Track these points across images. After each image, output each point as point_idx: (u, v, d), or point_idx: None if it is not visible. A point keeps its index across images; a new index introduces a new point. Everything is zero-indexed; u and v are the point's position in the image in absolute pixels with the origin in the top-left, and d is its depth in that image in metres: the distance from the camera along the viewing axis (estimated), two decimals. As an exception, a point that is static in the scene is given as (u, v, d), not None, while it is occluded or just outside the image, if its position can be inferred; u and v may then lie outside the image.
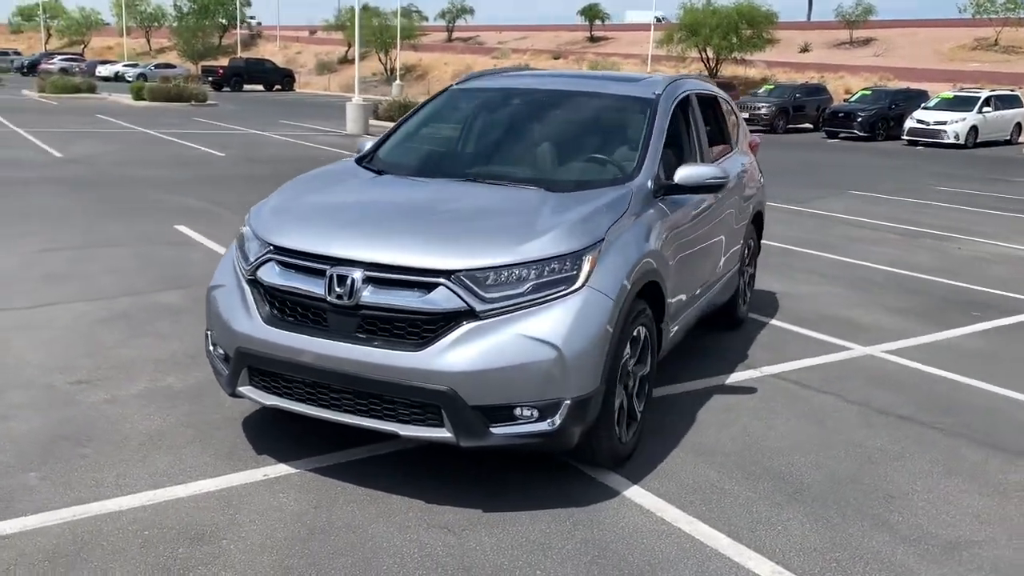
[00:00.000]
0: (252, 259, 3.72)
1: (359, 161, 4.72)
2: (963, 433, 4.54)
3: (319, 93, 53.00)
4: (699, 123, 5.20)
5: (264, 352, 3.54)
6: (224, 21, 76.82)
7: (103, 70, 56.79)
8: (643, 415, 4.08)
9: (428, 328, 3.32)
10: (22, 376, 4.70)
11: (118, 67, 56.87)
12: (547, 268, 3.40)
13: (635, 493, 3.68)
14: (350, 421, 3.44)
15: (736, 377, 5.22)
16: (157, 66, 56.23)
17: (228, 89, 49.16)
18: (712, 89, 5.93)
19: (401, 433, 3.36)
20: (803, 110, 33.08)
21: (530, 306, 3.34)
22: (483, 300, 3.30)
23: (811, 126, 33.23)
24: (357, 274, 3.39)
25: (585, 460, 3.81)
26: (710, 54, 47.19)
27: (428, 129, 5.10)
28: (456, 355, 3.25)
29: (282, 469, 3.75)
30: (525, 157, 4.68)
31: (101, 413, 4.26)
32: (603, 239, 3.59)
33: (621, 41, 64.39)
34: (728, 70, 48.67)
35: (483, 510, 3.48)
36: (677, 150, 5.04)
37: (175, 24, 75.88)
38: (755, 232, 6.40)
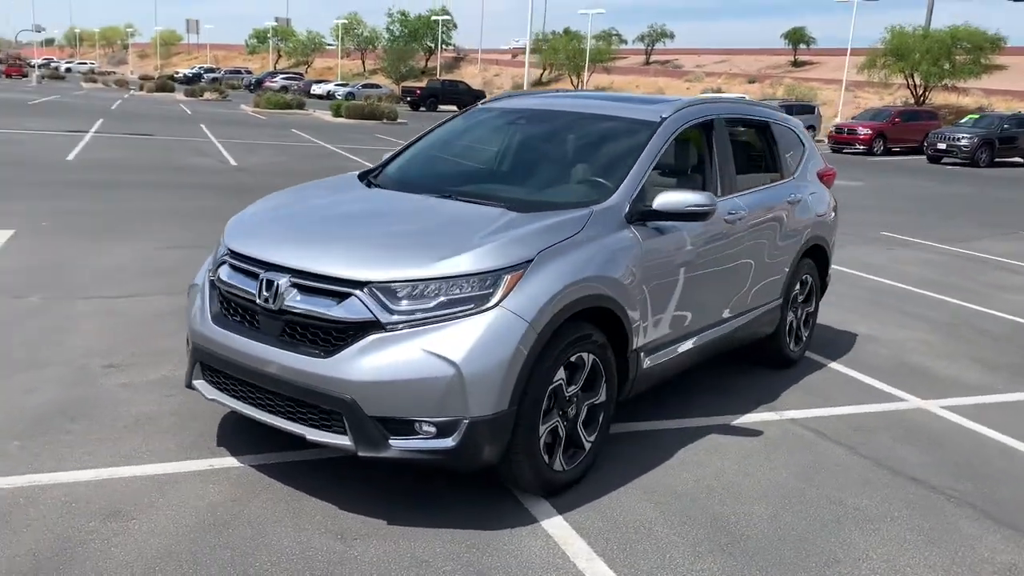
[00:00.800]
0: (214, 261, 3.98)
1: (366, 173, 4.90)
2: (974, 503, 4.05)
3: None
4: (724, 149, 4.97)
5: (210, 348, 3.76)
6: (431, 44, 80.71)
7: (318, 88, 61.26)
8: (595, 445, 3.95)
9: (338, 337, 3.40)
10: (65, 356, 5.22)
11: (331, 86, 61.10)
12: (460, 285, 3.40)
13: (553, 523, 3.58)
14: (269, 421, 3.58)
15: (750, 418, 4.92)
16: (364, 86, 59.91)
17: (424, 109, 51.53)
18: (760, 113, 5.65)
19: (308, 437, 3.46)
20: (1013, 142, 30.32)
21: (437, 322, 3.35)
22: (390, 312, 3.34)
23: (1022, 160, 30.39)
24: (283, 280, 3.54)
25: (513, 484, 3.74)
26: (917, 80, 44.25)
27: (445, 144, 5.21)
28: (358, 365, 3.31)
29: (228, 462, 3.95)
30: (510, 176, 4.69)
31: (110, 395, 4.65)
32: (531, 260, 3.54)
33: (826, 66, 61.67)
34: (939, 98, 45.45)
35: (389, 522, 3.51)
36: (688, 176, 4.86)
37: (388, 47, 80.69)
38: (814, 267, 5.98)
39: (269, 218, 4.16)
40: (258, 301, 3.59)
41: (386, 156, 5.14)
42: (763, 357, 5.82)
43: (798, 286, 5.79)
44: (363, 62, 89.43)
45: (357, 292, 3.39)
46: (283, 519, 3.48)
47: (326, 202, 4.40)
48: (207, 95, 50.05)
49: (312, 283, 3.49)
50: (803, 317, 5.99)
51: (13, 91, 45.15)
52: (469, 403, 3.31)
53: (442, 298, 3.38)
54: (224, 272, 3.85)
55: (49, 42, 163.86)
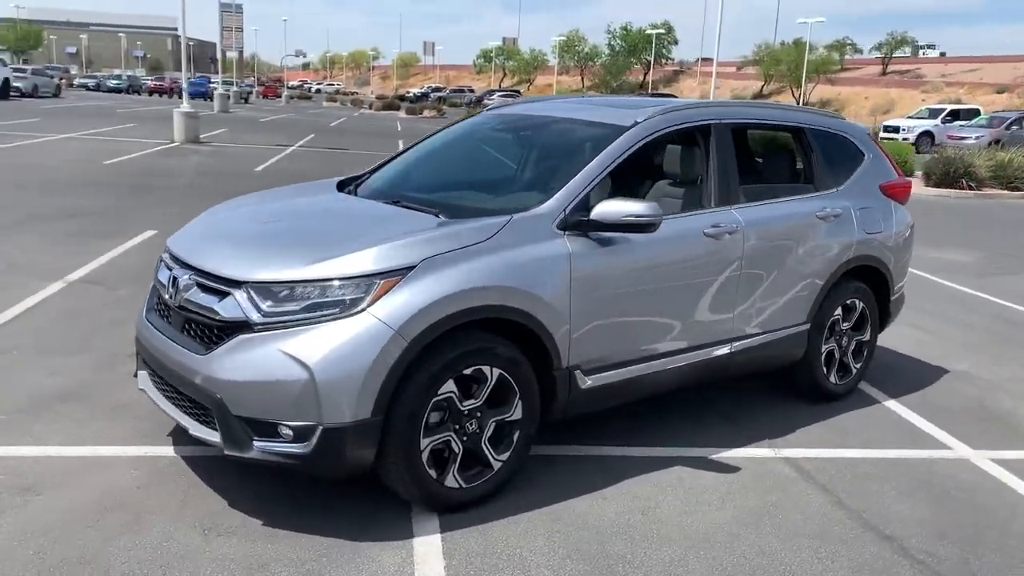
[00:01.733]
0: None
1: (353, 179, 4.95)
2: (941, 572, 3.43)
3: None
4: (723, 157, 4.57)
5: (141, 341, 3.98)
6: (650, 59, 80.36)
7: (530, 104, 62.64)
8: (508, 464, 3.76)
9: (218, 335, 3.47)
10: (107, 345, 5.66)
11: (543, 101, 62.26)
12: (330, 289, 3.36)
13: (426, 541, 3.45)
14: (169, 412, 3.71)
15: (737, 452, 4.47)
16: (575, 101, 60.46)
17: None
18: (791, 119, 5.13)
19: (191, 431, 3.55)
20: None
21: (302, 325, 3.33)
22: (260, 313, 3.36)
23: None
24: (185, 276, 3.67)
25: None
26: None
27: (434, 150, 5.16)
28: (226, 363, 3.36)
29: (164, 451, 4.13)
30: (471, 182, 4.58)
31: (116, 382, 4.99)
32: (413, 266, 3.43)
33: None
34: None
35: (265, 522, 3.52)
36: (674, 185, 4.54)
37: (605, 62, 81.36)
38: (867, 291, 5.32)
39: (210, 218, 4.32)
40: (165, 296, 3.74)
41: (379, 162, 5.17)
42: (797, 388, 5.25)
43: (839, 311, 5.17)
44: (582, 78, 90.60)
45: (235, 291, 3.44)
46: (166, 509, 3.58)
47: (273, 205, 4.49)
48: (426, 112, 52.74)
49: (204, 281, 3.58)
50: (850, 347, 5.34)
51: (260, 110, 49.87)
52: (323, 409, 3.25)
53: (311, 301, 3.35)
54: (158, 268, 4.05)
55: (307, 66, 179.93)
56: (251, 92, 70.60)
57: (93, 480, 3.80)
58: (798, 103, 56.73)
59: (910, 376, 5.96)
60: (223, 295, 3.47)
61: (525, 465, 3.95)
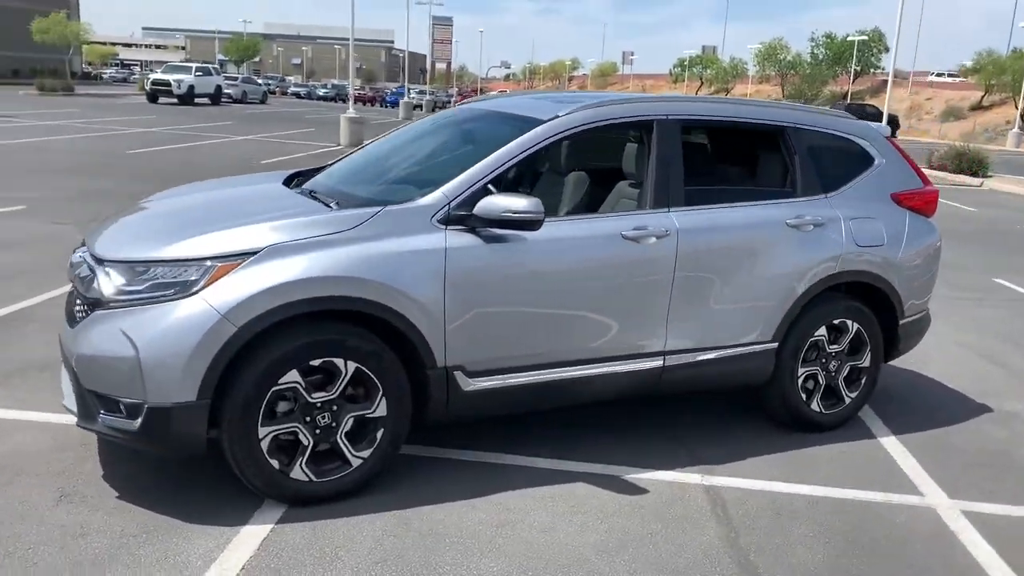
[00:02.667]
0: None
1: (308, 172, 5.02)
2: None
3: (932, 141, 48.74)
4: (668, 155, 4.26)
5: None
6: (857, 68, 75.92)
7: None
8: (370, 462, 3.68)
9: (85, 311, 3.63)
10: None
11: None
12: (172, 270, 3.42)
13: (250, 531, 3.43)
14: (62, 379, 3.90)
15: (657, 475, 4.13)
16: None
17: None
18: (768, 116, 4.67)
19: (63, 401, 3.73)
20: None
21: (142, 304, 3.41)
22: (114, 290, 3.47)
23: None
24: (77, 256, 3.88)
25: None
26: None
27: (388, 146, 5.12)
28: (80, 338, 3.51)
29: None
30: (391, 176, 4.53)
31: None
32: (255, 252, 3.43)
33: None
34: None
35: (121, 495, 3.64)
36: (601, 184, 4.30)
37: (807, 71, 77.74)
38: (865, 312, 4.74)
39: (134, 206, 4.52)
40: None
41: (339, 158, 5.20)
42: (773, 415, 4.79)
43: (821, 331, 4.64)
44: (782, 87, 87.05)
45: (99, 270, 3.58)
46: (44, 473, 3.78)
47: (200, 194, 4.59)
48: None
49: (87, 260, 3.76)
50: (842, 372, 4.78)
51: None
52: (147, 389, 3.32)
53: (155, 282, 3.43)
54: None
55: (510, 76, 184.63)
56: (448, 100, 73.63)
57: (3, 439, 4.06)
58: (1022, 116, 51.56)
59: (935, 410, 5.27)
60: (94, 274, 3.62)
61: (398, 466, 3.85)
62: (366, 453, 3.68)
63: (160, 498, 3.61)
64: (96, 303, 3.51)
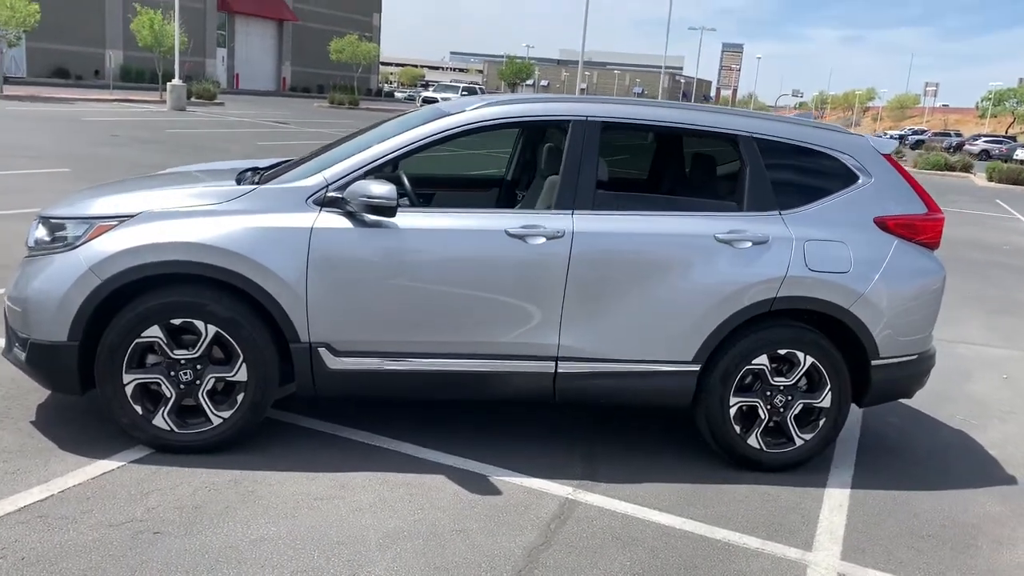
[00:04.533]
0: None
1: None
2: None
3: None
4: (582, 157, 4.15)
5: None
6: None
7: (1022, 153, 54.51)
8: (230, 422, 3.96)
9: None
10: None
11: (1038, 152, 53.72)
12: (69, 226, 3.92)
13: (96, 464, 3.83)
14: None
15: (528, 482, 4.02)
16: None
17: None
18: (716, 124, 4.35)
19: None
20: None
21: (45, 254, 3.94)
22: (34, 241, 4.04)
23: None
24: None
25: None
26: None
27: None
28: (9, 280, 4.13)
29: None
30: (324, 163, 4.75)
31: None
32: (131, 216, 3.85)
33: None
34: None
35: (35, 422, 4.22)
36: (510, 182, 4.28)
37: None
38: (826, 347, 4.25)
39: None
40: None
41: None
42: (710, 446, 4.44)
43: (762, 360, 4.24)
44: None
45: (34, 223, 4.18)
46: (-1, 397, 4.45)
47: (180, 169, 5.09)
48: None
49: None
50: (791, 410, 4.32)
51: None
52: (31, 326, 3.84)
53: (57, 235, 3.95)
54: None
55: (801, 105, 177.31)
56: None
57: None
58: None
59: (932, 476, 4.57)
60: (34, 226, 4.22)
61: (272, 433, 4.09)
62: (226, 414, 3.95)
63: (57, 427, 4.11)
64: (29, 251, 4.09)
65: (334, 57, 50.32)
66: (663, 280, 4.10)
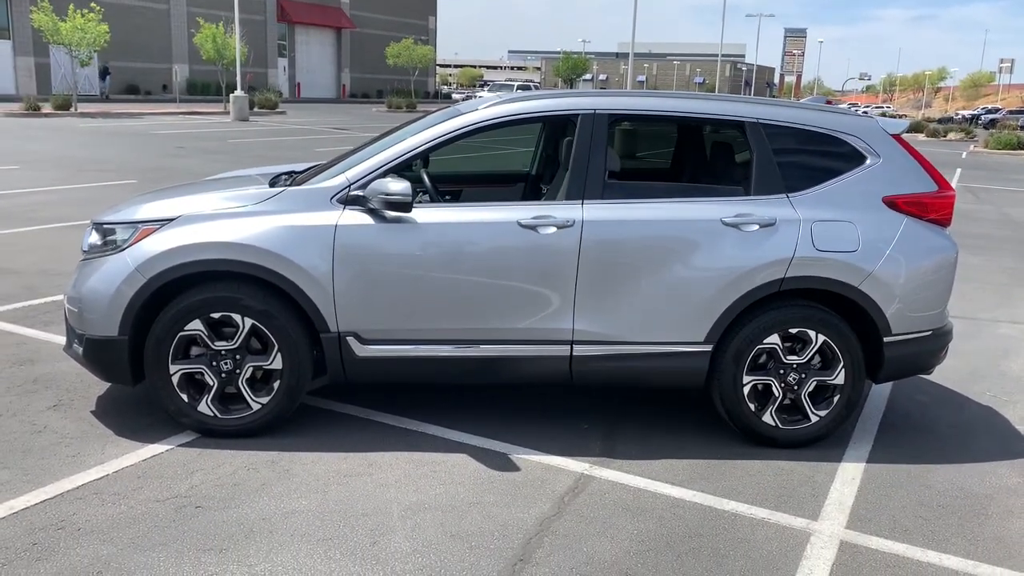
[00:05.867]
0: None
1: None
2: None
3: None
4: (588, 149, 4.35)
5: None
6: None
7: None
8: (268, 408, 4.25)
9: None
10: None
11: None
12: (119, 230, 4.29)
13: (150, 447, 4.18)
14: None
15: (541, 458, 4.23)
16: None
17: None
18: (720, 112, 4.50)
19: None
20: None
21: (98, 256, 4.31)
22: (89, 246, 4.42)
23: None
24: None
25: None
26: None
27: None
28: (70, 281, 4.52)
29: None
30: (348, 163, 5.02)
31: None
32: (172, 219, 4.19)
33: None
34: None
35: (93, 410, 4.60)
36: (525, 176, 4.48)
37: None
38: (837, 324, 4.35)
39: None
40: None
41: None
42: (727, 424, 4.59)
43: (773, 339, 4.37)
44: None
45: (88, 229, 4.55)
46: (58, 388, 4.85)
47: (220, 178, 5.44)
48: (950, 136, 47.61)
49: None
50: (806, 387, 4.45)
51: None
52: (85, 322, 4.21)
53: (109, 239, 4.32)
54: None
55: (869, 88, 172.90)
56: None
57: (51, 364, 5.22)
58: None
59: (949, 450, 4.64)
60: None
61: (309, 418, 4.40)
62: (265, 399, 4.26)
63: (114, 416, 4.48)
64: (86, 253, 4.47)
65: (391, 62, 51.16)
66: (672, 264, 4.27)
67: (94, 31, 29.46)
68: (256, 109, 34.84)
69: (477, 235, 4.22)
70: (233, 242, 4.09)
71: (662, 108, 4.51)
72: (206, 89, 43.61)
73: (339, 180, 4.27)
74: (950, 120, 66.46)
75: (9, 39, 38.14)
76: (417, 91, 53.01)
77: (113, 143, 20.14)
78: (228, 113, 31.14)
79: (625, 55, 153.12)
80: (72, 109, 29.16)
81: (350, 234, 4.16)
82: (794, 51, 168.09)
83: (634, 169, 5.10)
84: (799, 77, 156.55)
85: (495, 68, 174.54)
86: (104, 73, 41.27)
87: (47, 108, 28.42)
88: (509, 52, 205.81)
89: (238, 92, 30.77)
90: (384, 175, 4.25)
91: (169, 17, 45.03)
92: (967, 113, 73.73)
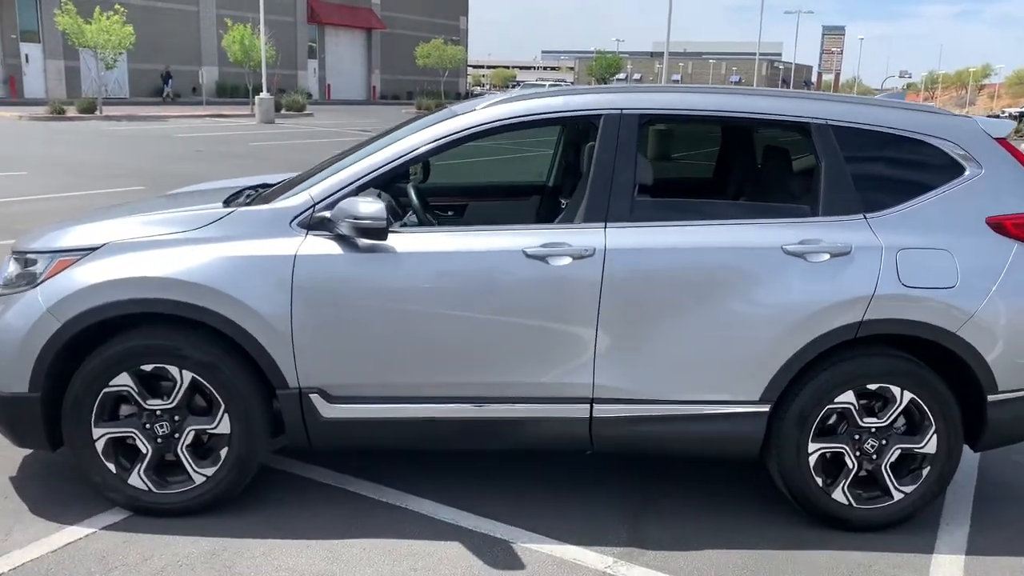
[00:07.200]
0: None
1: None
2: None
3: None
4: (608, 159, 3.48)
5: None
6: None
7: None
8: (214, 480, 3.46)
9: None
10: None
11: None
12: (32, 262, 3.49)
13: (65, 531, 3.38)
14: None
15: (554, 548, 3.37)
16: None
17: None
18: (780, 111, 3.59)
19: None
20: None
21: (12, 293, 3.50)
22: (2, 280, 3.62)
23: None
24: None
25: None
26: None
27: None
28: None
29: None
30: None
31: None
32: (95, 248, 3.38)
33: None
34: None
35: (11, 476, 3.82)
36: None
37: None
38: (928, 378, 3.45)
39: None
40: None
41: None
42: (788, 502, 3.69)
43: (847, 396, 3.46)
44: None
45: (12, 258, 3.75)
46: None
47: (182, 191, 4.62)
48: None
49: None
50: (887, 456, 3.53)
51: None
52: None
53: (24, 271, 3.51)
54: None
55: (910, 87, 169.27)
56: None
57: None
58: None
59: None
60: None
61: (279, 486, 3.56)
62: (210, 471, 3.45)
63: (36, 484, 3.69)
64: (-3, 288, 3.66)
65: (420, 62, 50.43)
66: (719, 304, 3.37)
67: (119, 33, 29.04)
68: (283, 111, 34.27)
69: (471, 267, 3.37)
70: (165, 277, 3.27)
71: (705, 106, 3.61)
72: (236, 91, 43.16)
73: (301, 199, 3.44)
74: (996, 117, 64.22)
75: (39, 42, 37.96)
76: (447, 92, 52.28)
77: (130, 147, 19.58)
78: (254, 116, 30.60)
79: (660, 54, 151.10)
80: (97, 112, 28.77)
81: (313, 266, 3.32)
82: (832, 49, 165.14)
83: (669, 181, 4.23)
84: (837, 75, 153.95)
85: (528, 68, 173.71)
86: (167, 77, 41.22)
87: (72, 111, 28.05)
88: (542, 52, 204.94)
89: (263, 94, 30.21)
90: (356, 192, 3.40)
91: (198, 19, 44.69)
92: (1013, 111, 71.36)
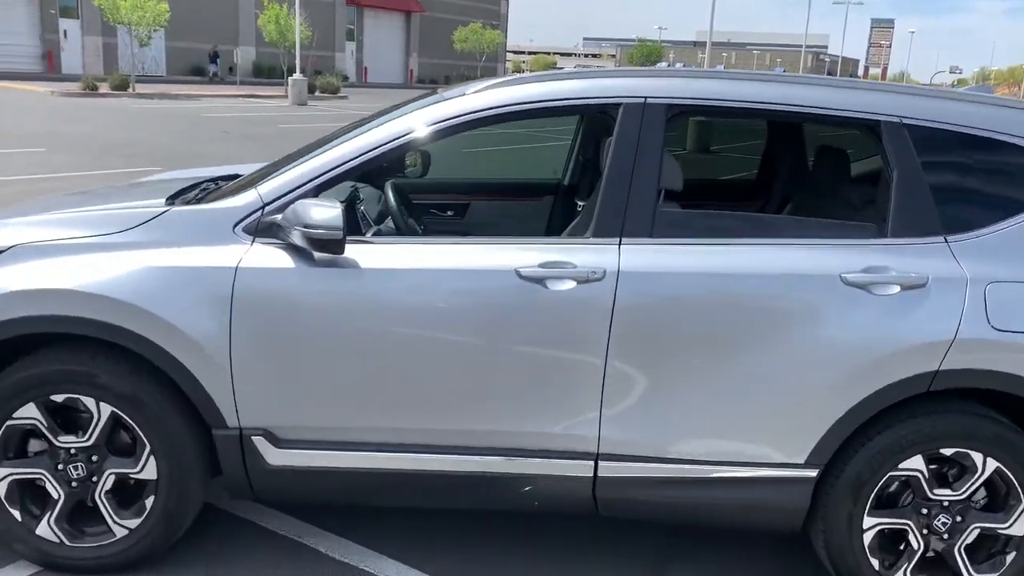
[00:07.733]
0: None
1: None
2: None
3: None
4: (626, 159, 2.82)
5: None
6: None
7: None
8: (139, 531, 2.89)
9: None
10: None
11: None
12: None
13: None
14: None
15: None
16: None
17: None
18: (840, 104, 2.90)
19: None
20: None
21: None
22: None
23: None
24: None
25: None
26: None
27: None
28: None
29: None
30: None
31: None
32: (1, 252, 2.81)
33: None
34: None
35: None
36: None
37: None
38: (1004, 441, 2.76)
39: None
40: None
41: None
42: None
43: (915, 463, 2.78)
44: None
45: None
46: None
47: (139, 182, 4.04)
48: None
49: None
50: (964, 536, 2.85)
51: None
52: None
53: None
54: None
55: (960, 83, 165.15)
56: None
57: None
58: None
59: None
60: None
61: (197, 531, 2.97)
62: (133, 523, 2.87)
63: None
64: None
65: (458, 47, 49.74)
66: (759, 344, 2.70)
67: (153, 10, 28.72)
68: (317, 93, 33.82)
69: (451, 289, 2.73)
70: (72, 290, 2.69)
71: (747, 96, 2.92)
72: (272, 72, 42.82)
73: (249, 198, 2.82)
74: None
75: (78, 18, 37.86)
76: (485, 77, 51.59)
77: (156, 125, 19.18)
78: (287, 97, 30.18)
79: (703, 44, 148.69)
80: (130, 89, 28.52)
81: (258, 281, 2.70)
82: (881, 42, 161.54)
83: (701, 184, 3.56)
84: (884, 69, 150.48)
85: (569, 55, 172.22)
86: (214, 56, 41.12)
87: (104, 88, 27.81)
88: (584, 39, 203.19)
89: (297, 75, 29.75)
90: (315, 192, 2.78)
91: (236, -2, 44.43)
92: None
